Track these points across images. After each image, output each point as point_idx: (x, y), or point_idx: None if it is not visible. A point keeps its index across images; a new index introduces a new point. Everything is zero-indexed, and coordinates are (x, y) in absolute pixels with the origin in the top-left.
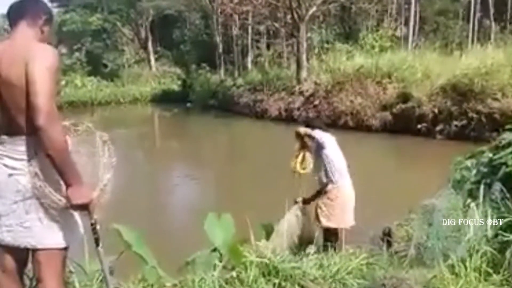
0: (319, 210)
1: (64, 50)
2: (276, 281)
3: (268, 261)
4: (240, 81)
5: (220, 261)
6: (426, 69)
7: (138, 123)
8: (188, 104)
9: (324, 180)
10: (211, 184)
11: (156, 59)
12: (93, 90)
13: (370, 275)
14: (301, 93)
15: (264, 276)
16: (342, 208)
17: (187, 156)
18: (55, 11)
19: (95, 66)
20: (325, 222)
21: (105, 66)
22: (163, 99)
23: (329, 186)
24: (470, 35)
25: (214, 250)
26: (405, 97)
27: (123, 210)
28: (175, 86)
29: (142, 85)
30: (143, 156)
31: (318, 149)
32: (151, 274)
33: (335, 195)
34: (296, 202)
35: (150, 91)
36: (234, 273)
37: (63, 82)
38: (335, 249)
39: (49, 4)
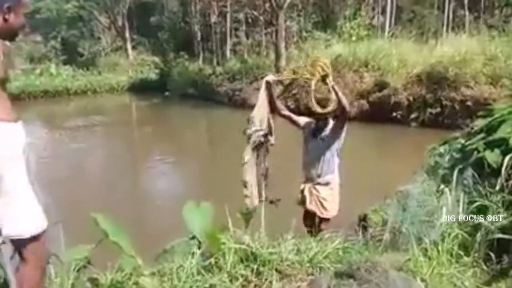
0: (324, 202)
1: (38, 38)
2: (254, 266)
3: (247, 247)
4: (219, 69)
5: (199, 249)
6: (402, 57)
7: (115, 112)
8: (167, 93)
9: (325, 169)
10: (190, 172)
11: (133, 47)
12: (69, 79)
13: (346, 259)
14: (280, 82)
15: (242, 262)
16: (337, 195)
17: (165, 144)
18: None
19: (70, 55)
20: (331, 213)
21: (81, 54)
22: (141, 88)
23: (330, 176)
24: (445, 24)
25: (193, 238)
26: (381, 86)
27: (101, 197)
28: (153, 75)
29: (119, 74)
30: (121, 144)
31: (333, 132)
32: (129, 263)
33: (334, 184)
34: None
35: (128, 80)
36: (212, 260)
37: (37, 71)
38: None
39: None
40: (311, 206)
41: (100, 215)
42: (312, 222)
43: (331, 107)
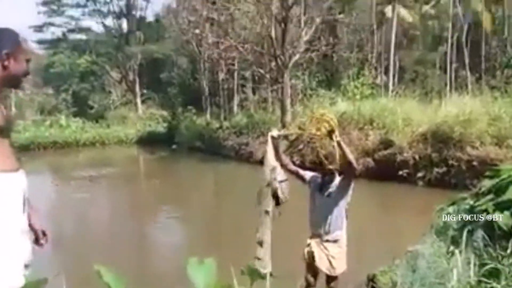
0: (333, 260)
1: (50, 91)
2: None
3: None
4: (226, 124)
5: None
6: (406, 116)
7: (123, 164)
8: (174, 146)
9: (333, 225)
10: (195, 227)
11: (143, 102)
12: (78, 131)
13: None
14: (285, 137)
15: None
16: (345, 252)
17: (171, 197)
18: (43, 52)
19: (81, 107)
20: (339, 270)
21: (91, 107)
22: (149, 141)
23: (339, 233)
24: (448, 84)
25: None
26: (386, 144)
27: (105, 249)
28: (161, 128)
29: (128, 127)
30: (127, 197)
31: (340, 188)
32: None
33: (343, 241)
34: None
35: (136, 133)
36: None
37: (47, 122)
38: None
39: (35, 45)
40: (320, 263)
41: (104, 267)
42: (315, 279)
43: (338, 163)
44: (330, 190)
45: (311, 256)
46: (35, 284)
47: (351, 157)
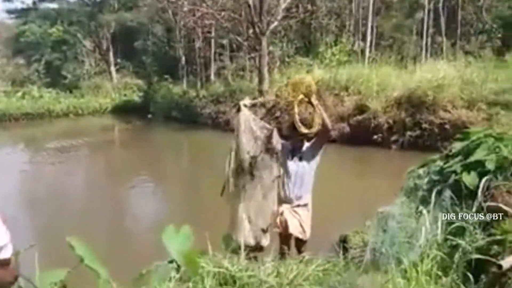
0: (303, 224)
1: (21, 61)
2: None
3: (225, 270)
4: (203, 92)
5: (177, 273)
6: (381, 82)
7: (97, 134)
8: (150, 116)
9: (304, 189)
10: (171, 195)
11: (117, 71)
12: (51, 102)
13: (326, 281)
14: (262, 105)
15: (221, 285)
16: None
17: (147, 166)
18: (12, 22)
19: (53, 78)
20: (308, 233)
21: (64, 77)
22: (124, 110)
23: (308, 196)
24: (424, 50)
25: (171, 261)
26: (361, 109)
27: (79, 219)
28: (137, 98)
29: (103, 97)
30: (102, 166)
31: (312, 151)
32: (106, 287)
33: (310, 204)
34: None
35: (111, 102)
36: (190, 284)
37: (19, 93)
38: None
39: (4, 15)
40: (293, 229)
41: (75, 239)
42: (289, 247)
43: (316, 128)
44: (301, 153)
45: (285, 225)
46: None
47: (327, 121)
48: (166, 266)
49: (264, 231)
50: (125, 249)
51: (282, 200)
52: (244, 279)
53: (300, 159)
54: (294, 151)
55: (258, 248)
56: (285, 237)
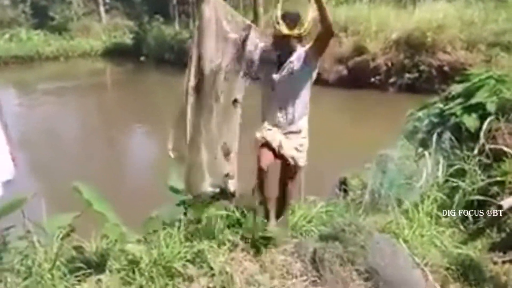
0: (296, 152)
1: (6, 2)
2: (240, 232)
3: (232, 213)
4: None
5: (185, 215)
6: (380, 22)
7: (89, 77)
8: (142, 58)
9: (299, 112)
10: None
11: (107, 11)
12: (40, 44)
13: (329, 222)
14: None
15: (229, 227)
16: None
17: (140, 109)
18: None
19: (41, 19)
20: (301, 162)
21: (52, 18)
22: (115, 53)
23: (305, 119)
24: None
25: (179, 204)
26: (360, 51)
27: (78, 163)
28: (128, 40)
29: (92, 39)
30: (95, 108)
31: (308, 60)
32: (113, 231)
33: (307, 131)
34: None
35: (101, 45)
36: (199, 226)
37: (6, 36)
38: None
39: None
40: (288, 150)
41: (83, 184)
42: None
43: (306, 27)
44: (292, 65)
45: (276, 145)
46: (17, 202)
47: (329, 16)
48: (174, 209)
49: (227, 175)
50: (129, 192)
51: (266, 127)
52: (249, 222)
53: (291, 73)
54: (281, 63)
55: (227, 195)
56: (269, 172)
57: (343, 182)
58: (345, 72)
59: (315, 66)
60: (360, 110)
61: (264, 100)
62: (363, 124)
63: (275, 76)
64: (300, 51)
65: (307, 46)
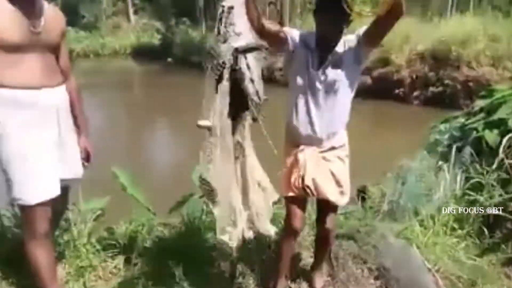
0: (341, 179)
1: None
2: None
3: None
4: None
5: (207, 207)
6: (405, 34)
7: (118, 75)
8: (169, 59)
9: (341, 123)
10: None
11: (135, 12)
12: (72, 41)
13: (346, 224)
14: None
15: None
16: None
17: (169, 108)
18: None
19: (72, 17)
20: (347, 194)
21: (82, 16)
22: (143, 53)
23: (344, 132)
24: (450, 2)
25: (201, 197)
26: (384, 62)
27: (111, 152)
28: (156, 41)
29: (122, 38)
30: (125, 104)
31: (361, 54)
32: (143, 214)
33: (347, 146)
34: None
35: (130, 44)
36: None
37: None
38: None
39: None
40: (326, 189)
41: (119, 169)
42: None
43: (380, 8)
44: (337, 57)
45: (314, 187)
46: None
47: None
48: (197, 200)
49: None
50: (160, 182)
51: (296, 140)
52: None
53: (335, 65)
54: (323, 54)
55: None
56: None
57: (362, 190)
58: (369, 81)
59: (364, 61)
60: (383, 121)
61: (294, 104)
62: (386, 135)
63: (311, 70)
64: (350, 42)
65: (361, 30)
